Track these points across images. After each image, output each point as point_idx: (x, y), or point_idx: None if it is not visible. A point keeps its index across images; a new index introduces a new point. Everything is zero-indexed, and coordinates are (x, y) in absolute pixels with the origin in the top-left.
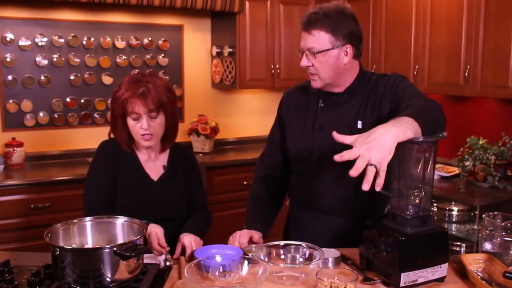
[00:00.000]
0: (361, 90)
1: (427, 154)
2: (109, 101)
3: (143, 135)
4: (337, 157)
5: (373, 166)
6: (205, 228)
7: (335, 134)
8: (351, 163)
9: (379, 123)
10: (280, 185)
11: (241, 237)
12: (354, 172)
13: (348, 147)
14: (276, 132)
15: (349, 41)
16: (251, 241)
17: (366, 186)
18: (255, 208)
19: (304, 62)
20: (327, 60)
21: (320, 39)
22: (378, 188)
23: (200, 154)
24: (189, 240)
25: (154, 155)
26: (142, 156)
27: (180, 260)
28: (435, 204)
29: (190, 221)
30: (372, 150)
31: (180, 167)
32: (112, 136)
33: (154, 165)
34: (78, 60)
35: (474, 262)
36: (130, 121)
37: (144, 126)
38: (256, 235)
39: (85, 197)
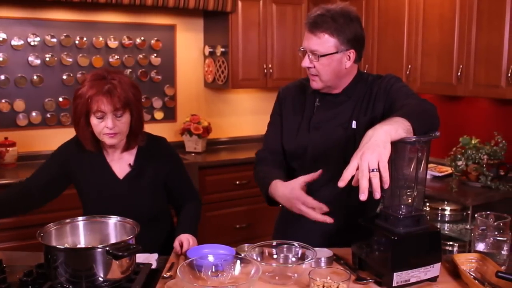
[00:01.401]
0: (357, 91)
1: (420, 154)
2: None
3: (107, 133)
4: (341, 183)
5: (374, 171)
6: (198, 220)
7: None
8: (347, 161)
9: (373, 123)
10: (282, 168)
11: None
12: (361, 187)
13: (346, 147)
14: (276, 125)
15: (353, 46)
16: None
17: (363, 197)
18: (267, 171)
19: (306, 63)
20: (330, 63)
21: (325, 42)
22: (378, 195)
23: (193, 154)
24: (186, 237)
25: (119, 154)
26: (107, 154)
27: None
28: (427, 204)
29: (182, 221)
30: (366, 153)
31: (149, 166)
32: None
33: (119, 163)
34: (70, 59)
35: (467, 262)
36: (94, 120)
37: (109, 125)
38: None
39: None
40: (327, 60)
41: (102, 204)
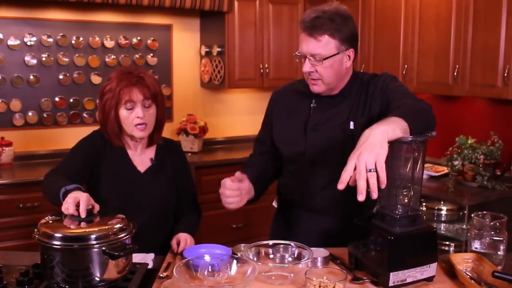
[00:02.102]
0: (354, 91)
1: (416, 154)
2: (97, 100)
3: (137, 124)
4: (340, 186)
5: (372, 171)
6: (197, 228)
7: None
8: (346, 162)
9: (370, 123)
10: (273, 166)
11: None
12: (358, 188)
13: (344, 148)
14: (265, 131)
15: (351, 45)
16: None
17: (361, 197)
18: (248, 172)
19: (307, 67)
20: (332, 65)
21: (326, 44)
22: (375, 195)
23: (189, 154)
24: (184, 236)
25: (141, 149)
26: (129, 149)
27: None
28: (424, 204)
29: (183, 222)
30: (363, 154)
31: (168, 161)
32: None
33: (141, 158)
34: (67, 59)
35: (463, 262)
36: (124, 112)
37: (140, 115)
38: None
39: (46, 180)
40: (329, 62)
41: (121, 196)
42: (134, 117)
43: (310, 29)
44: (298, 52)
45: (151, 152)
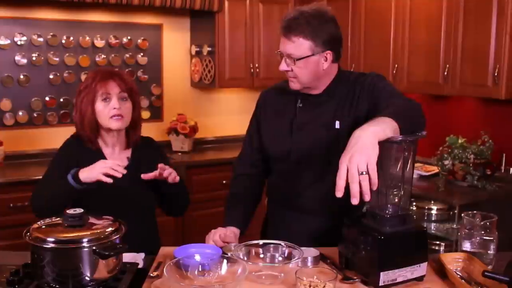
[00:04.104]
0: (339, 90)
1: (406, 153)
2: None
3: (113, 116)
4: (338, 194)
5: (363, 173)
6: (185, 191)
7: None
8: (332, 163)
9: (356, 123)
10: (258, 183)
11: (214, 234)
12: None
13: (329, 147)
14: (253, 131)
15: (329, 47)
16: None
17: (355, 201)
18: (233, 205)
19: (283, 66)
20: (307, 66)
21: (300, 45)
22: (367, 198)
23: (179, 153)
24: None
25: (119, 150)
26: (106, 151)
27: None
28: (414, 203)
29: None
30: (355, 156)
31: (145, 159)
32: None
33: (120, 158)
34: (57, 59)
35: (453, 261)
36: (100, 105)
37: (116, 106)
38: (231, 234)
39: (37, 195)
40: (303, 63)
41: (103, 198)
42: (111, 108)
43: (285, 30)
44: (279, 51)
45: (127, 152)
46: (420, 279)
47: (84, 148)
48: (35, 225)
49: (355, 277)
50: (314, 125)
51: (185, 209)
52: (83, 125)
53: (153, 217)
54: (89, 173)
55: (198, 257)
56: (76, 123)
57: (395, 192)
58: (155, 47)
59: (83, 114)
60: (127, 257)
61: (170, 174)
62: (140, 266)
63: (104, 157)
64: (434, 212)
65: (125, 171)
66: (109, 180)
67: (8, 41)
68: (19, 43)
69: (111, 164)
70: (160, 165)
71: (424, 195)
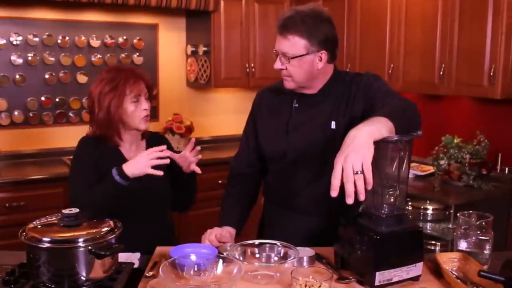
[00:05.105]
0: (335, 90)
1: (402, 153)
2: (84, 100)
3: (145, 116)
4: (333, 193)
5: (358, 173)
6: (195, 183)
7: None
8: (328, 163)
9: (352, 123)
10: (254, 183)
11: (210, 234)
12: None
13: (325, 147)
14: (249, 131)
15: (324, 47)
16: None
17: (350, 200)
18: (229, 205)
19: (277, 65)
20: (301, 65)
21: (294, 44)
22: (362, 197)
23: (175, 153)
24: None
25: (136, 146)
26: (124, 149)
27: None
28: (410, 203)
29: None
30: (350, 156)
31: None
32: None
33: (135, 154)
34: (53, 59)
35: (449, 261)
36: (131, 106)
37: (146, 107)
38: (227, 234)
39: (76, 193)
40: (297, 62)
41: (125, 194)
42: (141, 109)
43: (281, 28)
44: (275, 50)
45: (143, 147)
46: (416, 279)
47: (101, 146)
48: (31, 225)
49: (350, 277)
50: (310, 125)
51: (192, 203)
52: (110, 125)
53: (166, 213)
54: (135, 168)
55: (194, 257)
56: (99, 123)
57: (390, 192)
58: (151, 47)
59: (112, 115)
60: (123, 257)
61: (197, 156)
62: (135, 266)
63: (122, 155)
64: (429, 212)
65: (168, 153)
66: (159, 173)
67: (4, 41)
68: (14, 43)
69: (153, 154)
70: (193, 140)
71: (419, 195)
